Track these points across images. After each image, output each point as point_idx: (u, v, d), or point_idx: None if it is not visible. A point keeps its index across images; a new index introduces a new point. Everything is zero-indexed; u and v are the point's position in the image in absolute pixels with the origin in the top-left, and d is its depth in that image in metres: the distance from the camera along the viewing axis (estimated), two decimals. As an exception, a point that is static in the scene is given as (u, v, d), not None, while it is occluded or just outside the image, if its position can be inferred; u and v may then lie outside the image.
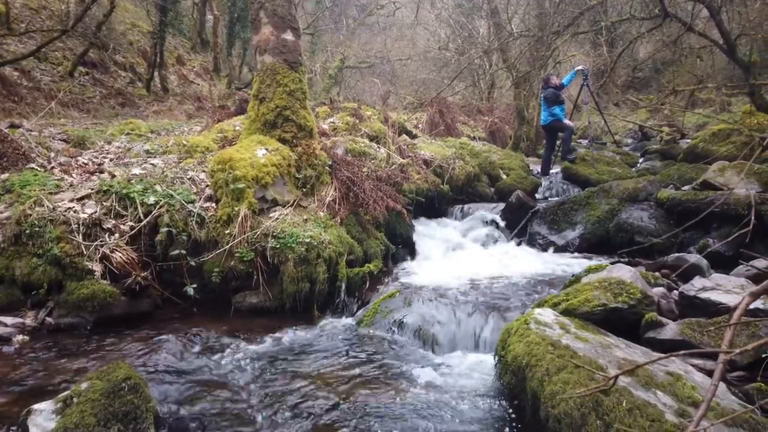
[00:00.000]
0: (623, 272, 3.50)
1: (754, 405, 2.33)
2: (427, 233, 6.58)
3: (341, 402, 2.91)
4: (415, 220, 6.61)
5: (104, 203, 4.38)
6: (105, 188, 4.47)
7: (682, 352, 1.84)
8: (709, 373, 2.57)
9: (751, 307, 2.99)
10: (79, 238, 4.01)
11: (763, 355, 2.59)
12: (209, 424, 2.67)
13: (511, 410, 2.79)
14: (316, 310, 4.41)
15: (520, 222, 6.84)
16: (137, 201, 4.40)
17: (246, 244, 4.33)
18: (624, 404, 2.14)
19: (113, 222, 4.27)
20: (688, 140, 11.51)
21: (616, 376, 1.68)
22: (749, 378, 2.62)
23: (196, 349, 3.59)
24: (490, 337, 3.67)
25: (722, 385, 2.45)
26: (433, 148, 8.67)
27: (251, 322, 4.14)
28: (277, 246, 4.32)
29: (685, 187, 6.06)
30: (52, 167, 4.97)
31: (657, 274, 4.04)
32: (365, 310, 4.35)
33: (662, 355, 2.19)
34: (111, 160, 5.47)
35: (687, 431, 1.54)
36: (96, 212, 4.25)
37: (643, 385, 2.30)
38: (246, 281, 4.38)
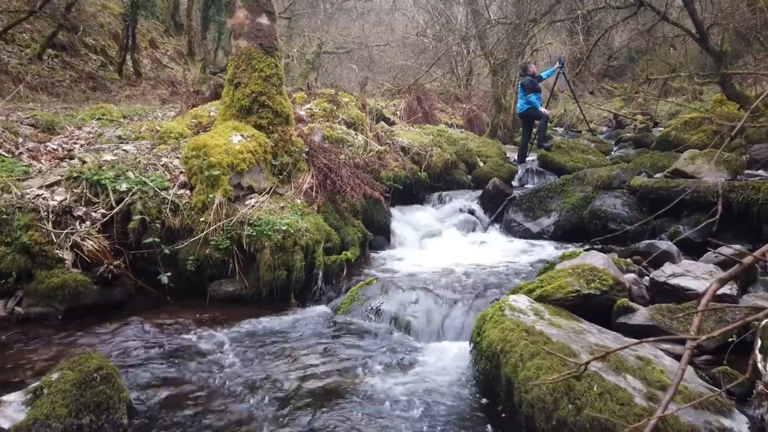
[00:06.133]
0: (596, 259, 3.57)
1: (720, 388, 2.40)
2: (404, 220, 6.59)
3: (317, 389, 2.91)
4: (392, 208, 6.61)
5: (74, 190, 4.27)
6: (75, 175, 4.36)
7: (651, 339, 1.88)
8: (678, 358, 2.63)
9: (719, 293, 3.08)
10: (49, 226, 3.91)
11: (729, 340, 2.66)
12: (183, 412, 2.65)
13: (486, 396, 2.82)
14: (293, 298, 4.39)
15: (496, 209, 6.92)
16: (109, 188, 4.30)
17: (221, 232, 4.28)
18: (595, 389, 2.19)
19: (84, 209, 4.17)
20: (661, 128, 11.71)
21: (587, 363, 1.71)
22: (716, 361, 2.69)
23: (170, 337, 3.55)
24: (466, 323, 3.70)
25: (690, 369, 2.52)
26: (411, 135, 8.67)
27: (227, 311, 4.10)
28: (254, 234, 4.28)
29: (657, 175, 6.18)
30: (20, 153, 4.83)
31: (629, 260, 4.12)
32: (342, 297, 4.35)
33: (633, 341, 2.24)
34: (81, 145, 5.33)
35: (655, 415, 1.57)
36: (66, 199, 4.15)
37: (614, 369, 2.35)
38: (222, 269, 4.33)
